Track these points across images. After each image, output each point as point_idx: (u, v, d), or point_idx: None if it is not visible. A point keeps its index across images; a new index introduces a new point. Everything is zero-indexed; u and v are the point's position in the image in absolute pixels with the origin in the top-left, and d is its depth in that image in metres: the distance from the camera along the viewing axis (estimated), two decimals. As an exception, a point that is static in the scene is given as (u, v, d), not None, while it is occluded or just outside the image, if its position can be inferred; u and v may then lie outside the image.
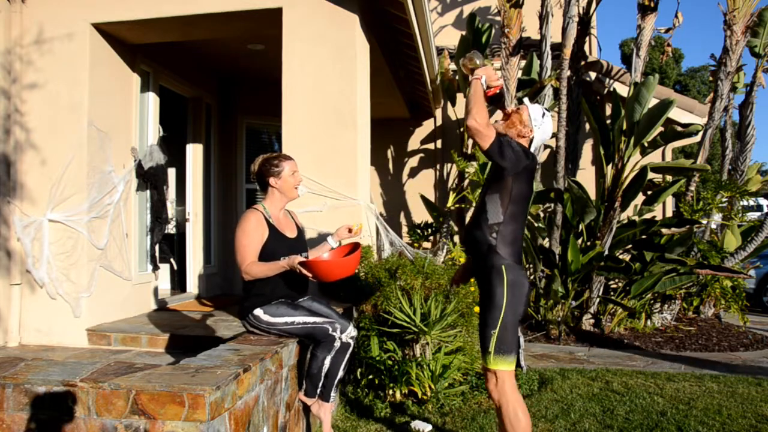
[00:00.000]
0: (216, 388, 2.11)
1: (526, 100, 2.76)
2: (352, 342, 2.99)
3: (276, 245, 2.95)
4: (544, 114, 2.66)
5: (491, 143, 2.42)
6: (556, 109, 6.49)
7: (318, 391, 2.99)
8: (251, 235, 2.89)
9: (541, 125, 2.64)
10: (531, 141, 2.65)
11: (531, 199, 2.58)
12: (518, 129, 2.63)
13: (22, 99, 4.66)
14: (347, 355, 2.99)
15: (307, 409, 3.18)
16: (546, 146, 7.22)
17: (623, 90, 7.03)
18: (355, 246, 2.94)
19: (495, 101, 2.71)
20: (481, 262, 2.54)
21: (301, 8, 4.51)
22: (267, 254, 2.92)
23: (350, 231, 3.13)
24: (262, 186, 3.09)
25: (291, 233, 3.09)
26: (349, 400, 3.65)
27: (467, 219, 7.98)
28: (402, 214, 8.74)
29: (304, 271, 2.75)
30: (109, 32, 4.87)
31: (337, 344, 2.94)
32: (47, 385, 2.21)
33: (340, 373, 2.99)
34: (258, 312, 2.95)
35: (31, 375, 2.26)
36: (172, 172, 6.93)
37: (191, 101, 6.63)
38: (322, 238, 4.29)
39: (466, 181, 7.33)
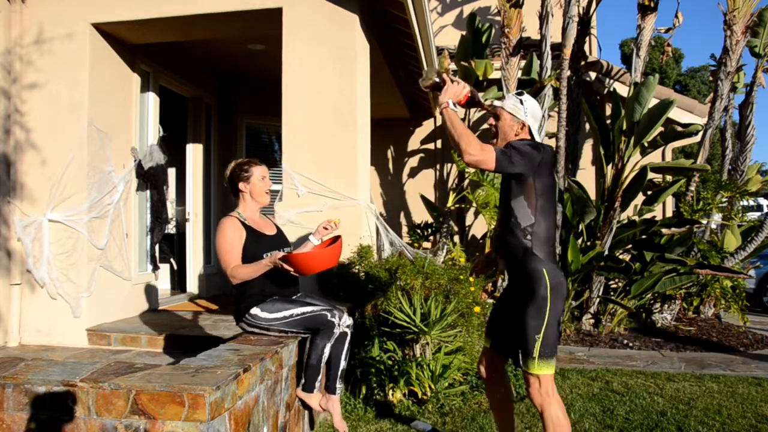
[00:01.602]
0: (216, 388, 2.11)
1: (496, 102, 2.61)
2: (348, 331, 3.03)
3: (256, 245, 3.00)
4: (520, 97, 2.55)
5: (496, 162, 2.33)
6: (556, 109, 6.49)
7: (316, 384, 3.00)
8: (230, 239, 2.94)
9: (526, 110, 2.53)
10: (530, 130, 2.57)
11: (556, 190, 2.51)
12: (513, 131, 2.54)
13: (22, 99, 4.66)
14: (346, 344, 3.02)
15: (307, 406, 3.18)
16: (546, 146, 7.21)
17: (623, 90, 7.03)
18: (336, 238, 3.00)
19: (471, 105, 2.55)
20: (519, 267, 2.48)
21: (301, 8, 4.51)
22: (249, 255, 2.96)
23: (326, 229, 3.19)
24: (234, 191, 3.14)
25: (270, 231, 3.16)
26: (349, 400, 3.65)
27: (467, 220, 8.01)
28: (402, 214, 8.74)
29: (286, 266, 2.79)
30: (109, 32, 4.87)
31: (337, 331, 2.96)
32: (47, 385, 2.21)
33: (342, 363, 3.01)
34: (255, 311, 2.98)
35: (31, 375, 2.26)
36: (172, 172, 6.93)
37: (191, 101, 6.63)
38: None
39: (466, 181, 7.34)
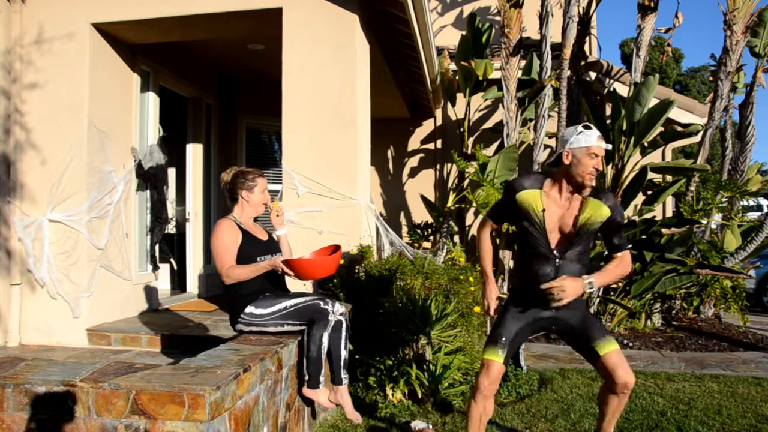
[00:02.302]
0: (216, 388, 2.11)
1: (603, 144, 2.52)
2: (343, 319, 3.04)
3: (251, 248, 3.09)
4: (576, 133, 2.56)
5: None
6: (556, 109, 6.49)
7: (320, 379, 2.99)
8: (226, 240, 3.03)
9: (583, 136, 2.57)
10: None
11: None
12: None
13: (22, 99, 4.66)
14: (343, 332, 3.04)
15: (307, 404, 3.17)
16: (546, 146, 7.21)
17: (623, 90, 7.03)
18: (336, 248, 3.10)
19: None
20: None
21: (301, 8, 4.51)
22: (243, 257, 3.04)
23: (278, 216, 3.28)
24: (232, 197, 3.21)
25: (263, 237, 3.24)
26: (349, 400, 3.65)
27: (467, 220, 8.01)
28: (402, 214, 8.74)
29: (287, 270, 2.89)
30: (109, 32, 4.87)
31: (332, 319, 2.98)
32: (47, 385, 2.21)
33: (343, 353, 3.02)
34: (250, 309, 3.02)
35: (31, 375, 2.27)
36: (172, 172, 6.93)
37: (191, 101, 6.63)
38: (321, 237, 4.31)
39: (466, 181, 7.33)
